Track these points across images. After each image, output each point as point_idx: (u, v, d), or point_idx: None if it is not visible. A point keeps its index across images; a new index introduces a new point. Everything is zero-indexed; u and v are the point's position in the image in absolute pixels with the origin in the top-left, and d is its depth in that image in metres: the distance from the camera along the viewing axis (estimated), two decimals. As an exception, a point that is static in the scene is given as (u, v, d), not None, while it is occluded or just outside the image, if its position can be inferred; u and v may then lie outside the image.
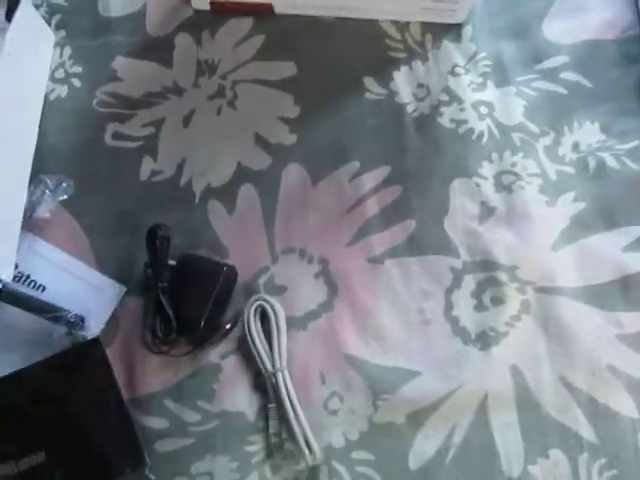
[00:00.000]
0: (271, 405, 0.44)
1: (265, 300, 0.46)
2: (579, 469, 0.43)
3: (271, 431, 0.44)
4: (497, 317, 0.47)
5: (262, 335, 0.46)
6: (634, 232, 0.50)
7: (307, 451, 0.42)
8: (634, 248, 0.49)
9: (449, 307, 0.48)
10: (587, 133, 0.54)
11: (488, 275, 0.48)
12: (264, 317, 0.46)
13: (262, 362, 0.44)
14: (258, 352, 0.45)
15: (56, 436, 0.43)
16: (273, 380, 0.44)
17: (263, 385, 0.45)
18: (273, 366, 0.44)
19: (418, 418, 0.44)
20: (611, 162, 0.53)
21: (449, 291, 0.48)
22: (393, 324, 0.47)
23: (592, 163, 0.53)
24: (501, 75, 0.55)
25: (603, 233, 0.50)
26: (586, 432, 0.44)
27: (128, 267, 0.50)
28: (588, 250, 0.49)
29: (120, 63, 0.58)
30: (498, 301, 0.48)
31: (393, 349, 0.46)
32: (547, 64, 0.57)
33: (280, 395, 0.44)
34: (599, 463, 0.43)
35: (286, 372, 0.44)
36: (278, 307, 0.46)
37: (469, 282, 0.48)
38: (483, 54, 0.56)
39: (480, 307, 0.48)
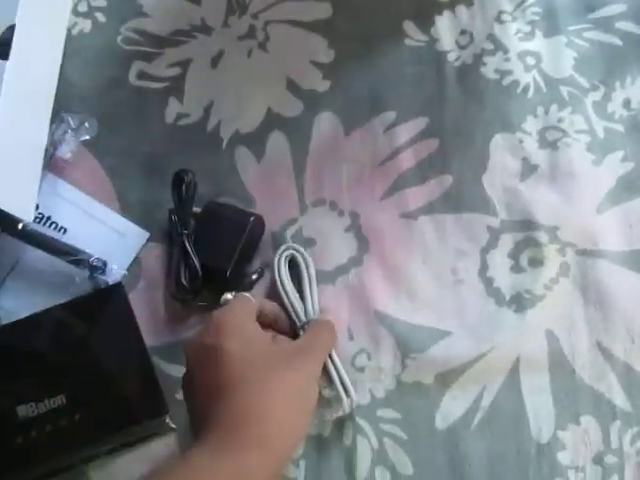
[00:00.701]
0: None
1: (295, 249, 0.45)
2: (610, 437, 0.42)
3: None
4: (534, 279, 0.45)
5: (292, 285, 0.44)
6: (684, 196, 0.47)
7: (345, 396, 0.41)
8: (683, 213, 0.47)
9: (484, 267, 0.46)
10: (640, 89, 0.51)
11: (527, 235, 0.46)
12: (293, 267, 0.45)
13: (295, 311, 0.43)
14: (290, 301, 0.43)
15: (77, 380, 0.42)
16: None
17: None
18: (306, 316, 0.43)
19: (447, 379, 0.43)
20: (664, 121, 0.49)
21: (485, 251, 0.46)
22: (425, 282, 0.45)
23: (643, 122, 0.50)
24: (551, 24, 0.52)
25: (651, 196, 0.47)
26: (620, 400, 0.43)
27: (151, 212, 0.48)
28: (634, 213, 0.47)
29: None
30: (536, 262, 0.45)
31: (424, 308, 0.45)
32: (602, 12, 0.53)
33: None
34: (631, 432, 0.42)
35: None
36: (308, 256, 0.45)
37: (506, 242, 0.46)
38: (532, 0, 0.52)
39: (517, 268, 0.46)
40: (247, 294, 0.42)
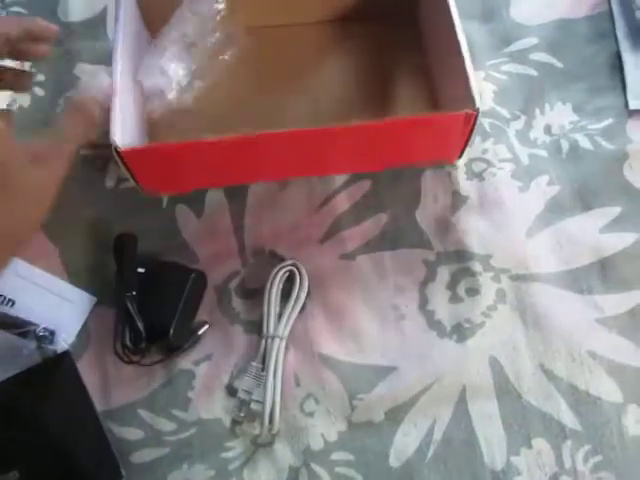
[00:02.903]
0: (255, 363, 0.44)
1: (297, 267, 0.47)
2: (563, 457, 0.42)
3: (243, 387, 0.44)
4: (472, 308, 0.46)
5: (279, 299, 0.46)
6: (610, 213, 0.49)
7: (267, 421, 0.42)
8: (611, 229, 0.48)
9: (424, 301, 0.47)
10: (559, 114, 0.53)
11: (462, 266, 0.47)
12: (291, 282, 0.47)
13: (267, 322, 0.45)
14: (268, 312, 0.45)
15: (29, 454, 0.42)
16: (269, 343, 0.44)
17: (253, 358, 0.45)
18: (275, 330, 0.44)
19: (397, 415, 0.44)
20: (584, 143, 0.52)
21: (423, 284, 0.47)
22: (367, 321, 0.46)
23: (565, 145, 0.52)
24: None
25: (579, 215, 0.49)
26: (569, 419, 0.43)
27: (98, 277, 0.49)
28: (564, 234, 0.48)
29: (83, 70, 0.57)
30: (473, 291, 0.47)
31: (368, 346, 0.46)
32: (516, 46, 0.56)
33: (269, 360, 0.43)
34: (583, 450, 0.42)
35: (283, 343, 0.44)
36: (305, 279, 0.46)
37: (443, 274, 0.47)
38: (450, 40, 0.55)
39: (455, 299, 0.47)
40: None
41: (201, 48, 0.48)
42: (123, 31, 0.47)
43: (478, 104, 0.42)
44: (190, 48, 0.48)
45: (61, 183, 0.34)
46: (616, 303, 0.46)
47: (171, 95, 0.48)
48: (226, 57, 0.50)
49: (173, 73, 0.47)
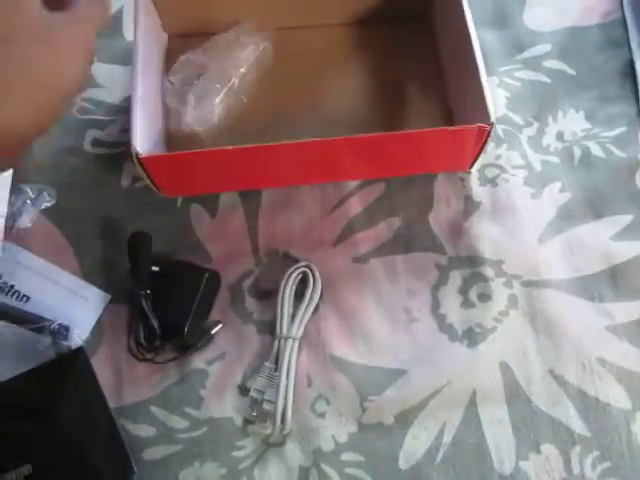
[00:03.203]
0: (268, 363, 0.45)
1: (310, 269, 0.47)
2: (571, 462, 0.43)
3: (256, 386, 0.44)
4: (484, 313, 0.46)
5: (292, 300, 0.46)
6: (621, 221, 0.49)
7: (279, 421, 0.42)
8: (622, 237, 0.49)
9: (435, 304, 0.47)
10: (572, 122, 0.53)
11: (474, 271, 0.48)
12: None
13: (280, 324, 0.45)
14: (281, 313, 0.45)
15: (42, 448, 0.42)
16: (282, 344, 0.44)
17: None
18: (288, 331, 0.45)
19: (407, 418, 0.44)
20: (596, 150, 0.52)
21: (435, 288, 0.48)
22: (379, 324, 0.47)
23: (577, 152, 0.52)
24: (483, 66, 0.55)
25: (590, 223, 0.49)
26: (577, 425, 0.44)
27: (112, 274, 0.50)
28: (575, 241, 0.49)
29: (99, 69, 0.57)
30: (485, 297, 0.47)
31: (379, 349, 0.46)
32: (529, 53, 0.56)
33: (282, 361, 0.44)
34: (592, 456, 0.43)
35: (296, 344, 0.45)
36: (319, 280, 0.47)
37: (455, 278, 0.48)
38: (464, 46, 0.55)
39: (467, 303, 0.47)
40: None
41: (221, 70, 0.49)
42: (142, 39, 0.48)
43: (492, 118, 0.42)
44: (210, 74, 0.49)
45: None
46: (626, 311, 0.46)
47: (188, 118, 0.49)
48: (243, 70, 0.51)
49: (191, 100, 0.49)
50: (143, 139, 0.44)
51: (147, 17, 0.51)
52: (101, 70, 0.57)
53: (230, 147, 0.43)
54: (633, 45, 0.56)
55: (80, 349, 0.46)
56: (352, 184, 0.51)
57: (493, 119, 0.42)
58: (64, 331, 0.47)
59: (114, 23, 0.59)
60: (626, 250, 0.48)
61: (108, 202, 0.52)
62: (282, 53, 0.54)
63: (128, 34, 0.59)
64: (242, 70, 0.52)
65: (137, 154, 0.43)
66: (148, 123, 0.47)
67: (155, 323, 0.45)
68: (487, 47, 0.56)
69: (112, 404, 0.45)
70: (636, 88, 0.54)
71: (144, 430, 0.45)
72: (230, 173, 0.48)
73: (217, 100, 0.50)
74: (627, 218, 0.49)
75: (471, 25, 0.46)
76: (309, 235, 0.50)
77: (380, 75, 0.55)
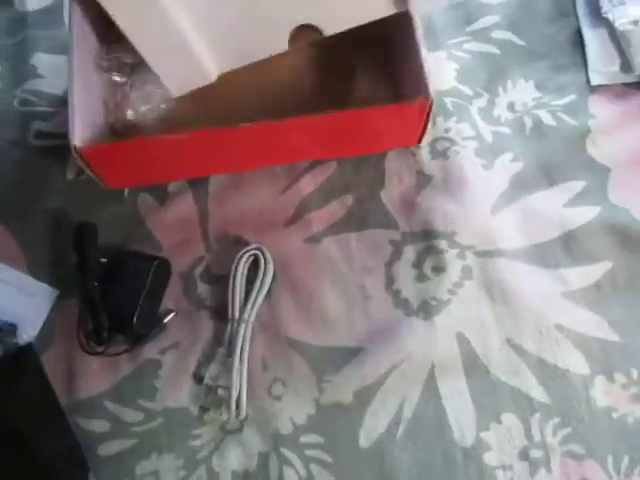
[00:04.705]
0: (221, 349, 0.44)
1: (262, 251, 0.46)
2: (532, 431, 0.43)
3: (210, 373, 0.43)
4: (439, 286, 0.46)
5: (244, 283, 0.45)
6: (574, 187, 0.49)
7: (234, 406, 0.42)
8: (575, 203, 0.49)
9: (390, 280, 0.47)
10: (522, 92, 0.53)
11: (427, 244, 0.47)
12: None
13: (232, 308, 0.44)
14: (232, 297, 0.45)
15: (-8, 449, 0.41)
16: (235, 326, 0.44)
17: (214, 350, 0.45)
18: (240, 314, 0.44)
19: (365, 395, 0.43)
20: (547, 119, 0.52)
21: (389, 264, 0.47)
22: (334, 303, 0.46)
23: (528, 122, 0.52)
24: (431, 40, 0.54)
25: (543, 191, 0.49)
26: (537, 393, 0.43)
27: (61, 269, 0.48)
28: (529, 209, 0.49)
29: (40, 59, 0.56)
30: (439, 269, 0.47)
31: (335, 328, 0.45)
32: (478, 24, 0.56)
33: (235, 345, 0.43)
34: (552, 422, 0.43)
35: (249, 327, 0.44)
36: (271, 263, 0.46)
37: (409, 253, 0.47)
38: (411, 20, 0.55)
39: (421, 277, 0.47)
40: None
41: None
42: (78, 27, 0.46)
43: (431, 93, 0.42)
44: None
45: None
46: (582, 276, 0.46)
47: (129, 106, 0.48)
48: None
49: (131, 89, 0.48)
50: (83, 130, 0.43)
51: (83, 4, 0.49)
52: (42, 60, 0.56)
53: (175, 134, 0.42)
54: (580, 14, 0.56)
55: (28, 346, 0.44)
56: (303, 164, 0.50)
57: (432, 93, 0.42)
58: (11, 329, 0.45)
59: (54, 12, 0.58)
60: (579, 216, 0.48)
61: (54, 195, 0.51)
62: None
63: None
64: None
65: (75, 146, 0.42)
66: (88, 114, 0.45)
67: (103, 315, 0.43)
68: (436, 21, 0.55)
69: (65, 401, 0.44)
70: (584, 57, 0.54)
71: (98, 425, 0.44)
72: (176, 161, 0.47)
73: (158, 87, 0.48)
74: (579, 184, 0.49)
75: (412, 2, 0.45)
76: (261, 217, 0.49)
77: (328, 57, 0.54)
